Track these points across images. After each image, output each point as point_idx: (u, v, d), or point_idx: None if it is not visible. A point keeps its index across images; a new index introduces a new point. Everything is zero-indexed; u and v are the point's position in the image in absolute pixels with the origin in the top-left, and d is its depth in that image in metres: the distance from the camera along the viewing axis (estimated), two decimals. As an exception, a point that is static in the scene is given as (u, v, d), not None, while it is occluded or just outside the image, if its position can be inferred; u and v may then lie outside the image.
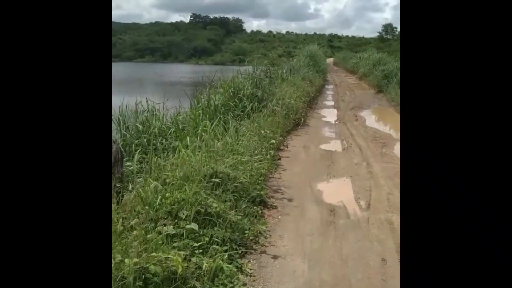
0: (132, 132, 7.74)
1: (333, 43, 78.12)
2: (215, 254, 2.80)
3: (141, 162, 5.07)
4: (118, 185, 3.22)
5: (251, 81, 9.61)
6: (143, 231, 2.54)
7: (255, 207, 4.06)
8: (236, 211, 3.58)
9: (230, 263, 2.89)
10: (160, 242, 2.58)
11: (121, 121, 8.30)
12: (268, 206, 4.38)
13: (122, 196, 3.26)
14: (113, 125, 8.46)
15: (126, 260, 2.16)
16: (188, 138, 5.81)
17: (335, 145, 7.76)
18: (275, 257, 3.31)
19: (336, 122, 10.41)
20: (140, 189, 3.21)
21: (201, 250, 2.79)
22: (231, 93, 8.75)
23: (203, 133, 6.00)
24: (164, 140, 6.80)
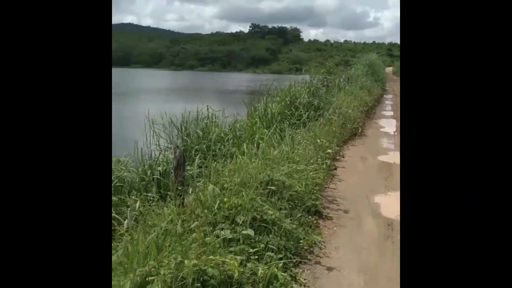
0: (193, 138, 8.03)
1: (392, 52, 75.50)
2: (270, 261, 2.80)
3: (200, 167, 5.23)
4: (180, 188, 3.34)
5: (307, 90, 9.56)
6: (202, 233, 2.61)
7: (310, 217, 4.01)
8: (291, 219, 3.56)
9: (285, 272, 2.87)
10: (218, 245, 2.64)
11: (183, 127, 8.65)
12: (323, 216, 4.31)
13: (183, 198, 3.38)
14: (175, 131, 8.85)
15: (186, 261, 2.23)
16: (245, 145, 5.91)
17: (393, 157, 7.46)
18: (329, 269, 3.23)
19: (395, 133, 10.01)
20: (200, 193, 3.31)
21: (256, 256, 2.80)
22: (288, 102, 8.76)
23: (259, 141, 6.07)
24: (222, 147, 6.97)
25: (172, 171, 5.70)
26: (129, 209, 4.08)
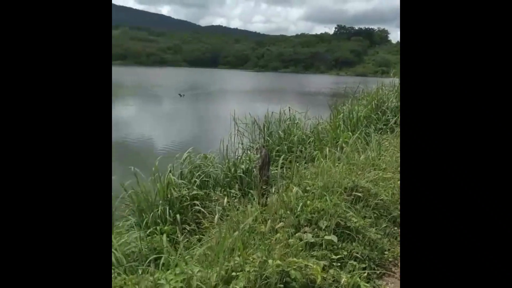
0: (274, 139, 8.12)
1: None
2: (353, 270, 2.70)
3: (281, 168, 5.27)
4: (264, 187, 3.39)
5: (396, 93, 9.08)
6: (286, 235, 2.61)
7: (395, 228, 3.80)
8: (376, 229, 3.40)
9: (367, 282, 2.75)
10: (300, 248, 2.62)
11: (265, 127, 8.79)
12: (410, 228, 4.04)
13: (267, 198, 3.42)
14: (257, 130, 9.05)
15: (270, 261, 2.25)
16: (327, 148, 5.80)
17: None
18: (416, 285, 3.02)
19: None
20: (283, 194, 3.32)
21: (339, 264, 2.73)
22: (374, 105, 8.41)
23: (343, 145, 5.91)
24: (303, 149, 6.93)
25: (254, 170, 5.86)
26: (217, 204, 4.25)
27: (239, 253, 2.43)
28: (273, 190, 4.10)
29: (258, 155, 3.72)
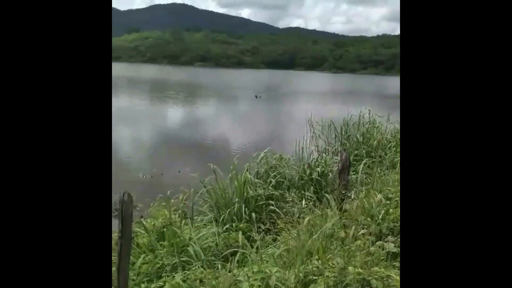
0: (352, 142, 7.88)
1: None
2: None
3: (358, 172, 5.09)
4: (343, 192, 3.29)
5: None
6: (367, 243, 2.51)
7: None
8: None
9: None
10: (382, 258, 2.49)
11: (342, 130, 8.58)
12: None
13: (345, 203, 3.32)
14: (333, 133, 8.87)
15: (350, 268, 2.17)
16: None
17: None
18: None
19: None
20: (364, 200, 3.20)
21: (424, 278, 2.55)
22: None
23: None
24: (384, 154, 6.63)
25: (330, 173, 5.73)
26: (292, 205, 4.24)
27: (318, 257, 2.39)
28: (352, 195, 3.97)
29: (338, 158, 3.63)
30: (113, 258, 3.54)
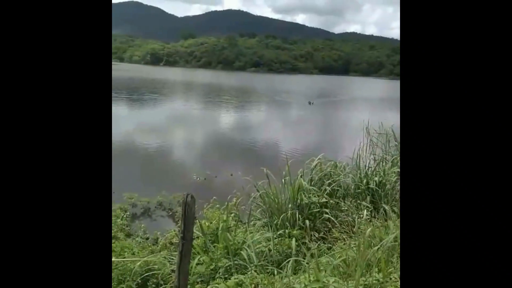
0: (413, 152, 7.53)
1: None
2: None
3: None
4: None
5: None
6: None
7: None
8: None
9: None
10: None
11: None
12: None
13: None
14: (393, 142, 8.52)
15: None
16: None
17: None
18: None
19: None
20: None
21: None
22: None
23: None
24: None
25: (387, 183, 5.51)
26: (348, 214, 4.13)
27: (378, 269, 2.29)
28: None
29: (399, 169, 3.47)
30: (172, 257, 3.66)
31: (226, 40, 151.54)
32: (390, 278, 2.20)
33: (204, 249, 3.80)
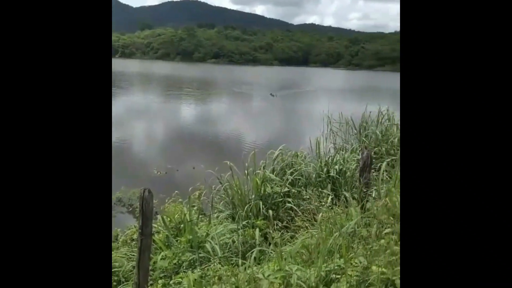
0: (371, 140, 7.78)
1: None
2: None
3: (377, 170, 5.02)
4: (365, 190, 3.24)
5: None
6: (391, 242, 2.46)
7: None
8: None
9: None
10: (406, 258, 2.44)
11: (361, 128, 8.48)
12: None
13: (366, 201, 3.27)
14: (351, 130, 8.78)
15: (374, 268, 2.13)
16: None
17: None
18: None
19: None
20: (387, 199, 3.14)
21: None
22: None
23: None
24: (403, 152, 6.52)
25: (348, 171, 5.66)
26: (310, 202, 4.20)
27: (340, 255, 2.35)
28: (373, 193, 3.92)
29: (359, 156, 3.57)
30: (133, 254, 3.58)
31: (184, 31, 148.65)
32: (351, 264, 2.26)
33: (166, 243, 3.74)
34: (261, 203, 4.63)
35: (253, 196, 4.80)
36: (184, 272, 3.27)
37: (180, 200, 5.17)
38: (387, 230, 2.47)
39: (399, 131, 7.61)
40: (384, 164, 4.37)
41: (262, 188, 4.90)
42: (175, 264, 3.40)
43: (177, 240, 3.73)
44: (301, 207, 4.63)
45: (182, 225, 3.86)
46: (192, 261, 3.42)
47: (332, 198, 4.94)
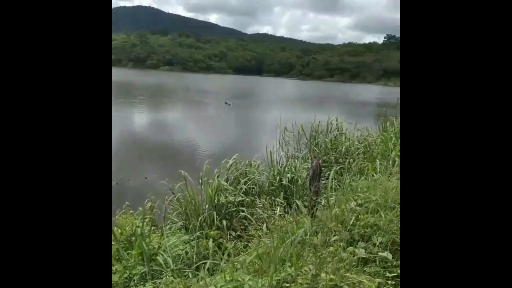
0: (321, 149, 8.01)
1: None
2: (409, 291, 2.58)
3: (327, 178, 5.18)
4: (314, 198, 3.33)
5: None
6: (339, 249, 2.55)
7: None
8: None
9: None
10: (353, 264, 2.54)
11: (311, 137, 8.70)
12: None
13: (316, 209, 3.36)
14: (302, 139, 8.99)
15: (323, 275, 2.20)
16: (377, 161, 5.63)
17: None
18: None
19: None
20: (335, 206, 3.25)
21: (393, 282, 2.62)
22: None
23: (396, 158, 5.71)
24: (351, 160, 6.78)
25: (298, 179, 5.79)
26: (263, 211, 4.24)
27: (290, 264, 2.40)
28: (323, 201, 4.03)
29: (309, 165, 3.67)
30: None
31: (137, 37, 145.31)
32: (302, 272, 2.31)
33: (117, 257, 3.61)
34: (214, 213, 4.62)
35: (207, 206, 4.77)
36: (136, 286, 3.18)
37: (131, 211, 5.02)
38: (335, 238, 2.56)
39: (347, 140, 7.91)
40: (333, 172, 4.52)
41: (216, 198, 4.88)
42: (126, 278, 3.29)
43: (128, 253, 3.62)
44: (255, 216, 4.67)
45: (133, 238, 3.75)
46: (143, 274, 3.33)
47: (284, 207, 5.04)
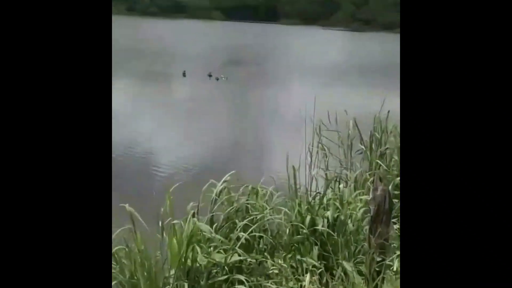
0: (393, 164, 7.92)
1: None
2: None
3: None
4: (379, 259, 3.22)
5: None
6: None
7: None
8: None
9: None
10: None
11: (374, 140, 8.58)
12: None
13: (383, 280, 3.25)
14: (357, 144, 8.87)
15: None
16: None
17: None
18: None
19: None
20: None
21: None
22: None
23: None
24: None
25: (347, 221, 5.60)
26: (292, 283, 4.13)
27: None
28: (395, 264, 3.90)
29: (370, 196, 3.55)
30: None
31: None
32: None
33: None
34: (186, 285, 4.49)
35: (173, 271, 4.65)
36: None
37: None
38: None
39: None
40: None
41: (190, 256, 4.75)
42: None
43: None
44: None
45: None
46: None
47: (320, 273, 4.91)
